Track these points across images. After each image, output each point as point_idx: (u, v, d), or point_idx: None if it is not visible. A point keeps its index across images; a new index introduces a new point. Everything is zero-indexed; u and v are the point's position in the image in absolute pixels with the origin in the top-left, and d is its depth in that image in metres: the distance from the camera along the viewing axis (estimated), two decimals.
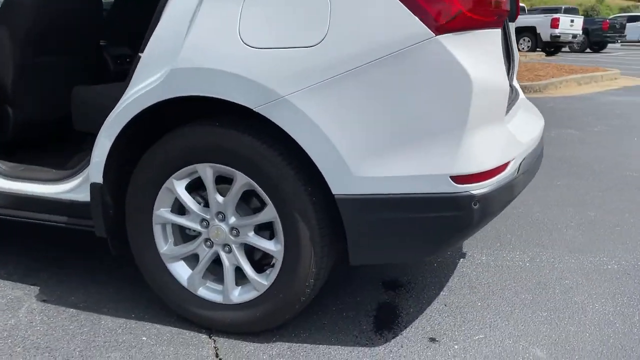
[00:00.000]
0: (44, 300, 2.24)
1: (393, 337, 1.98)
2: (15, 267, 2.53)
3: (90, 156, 2.06)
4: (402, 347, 1.93)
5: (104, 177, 1.99)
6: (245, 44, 1.70)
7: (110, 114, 1.94)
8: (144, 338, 1.98)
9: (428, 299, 2.26)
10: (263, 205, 1.88)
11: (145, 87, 1.84)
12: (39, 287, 2.35)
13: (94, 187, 2.00)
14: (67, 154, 2.63)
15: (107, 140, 1.93)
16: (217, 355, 1.88)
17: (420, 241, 1.73)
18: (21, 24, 2.38)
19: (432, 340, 1.97)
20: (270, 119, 1.71)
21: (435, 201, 1.65)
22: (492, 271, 2.52)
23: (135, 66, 1.90)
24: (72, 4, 2.58)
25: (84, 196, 2.10)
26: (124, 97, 1.90)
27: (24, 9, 2.36)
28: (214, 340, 1.97)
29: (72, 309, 2.17)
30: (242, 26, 1.70)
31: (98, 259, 2.62)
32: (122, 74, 3.02)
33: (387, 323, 2.08)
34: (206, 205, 1.95)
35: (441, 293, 2.31)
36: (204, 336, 1.99)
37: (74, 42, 2.70)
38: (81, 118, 2.41)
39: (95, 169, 1.99)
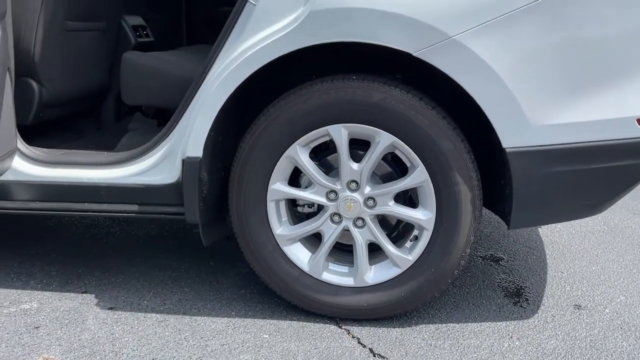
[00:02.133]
0: (110, 308, 1.85)
1: (538, 308, 1.83)
2: (49, 275, 2.09)
3: (170, 130, 1.72)
4: (553, 316, 1.78)
5: (204, 149, 1.66)
6: None
7: (210, 75, 1.61)
8: (265, 336, 1.67)
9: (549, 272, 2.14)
10: (397, 168, 1.65)
11: (269, 37, 1.54)
12: (92, 295, 1.94)
13: (189, 163, 1.66)
14: (103, 141, 2.21)
15: (212, 106, 1.61)
16: (363, 345, 1.62)
17: (592, 196, 1.58)
18: None
19: (578, 307, 1.85)
20: (433, 64, 1.49)
21: (619, 148, 1.51)
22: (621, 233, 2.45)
23: (238, 18, 1.59)
24: None
25: (163, 178, 1.75)
26: (232, 54, 1.59)
27: None
28: (347, 330, 1.70)
29: (154, 314, 1.80)
30: None
31: (144, 254, 2.23)
32: (143, 48, 2.63)
33: (520, 296, 1.93)
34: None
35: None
36: (332, 326, 1.72)
37: (100, 9, 2.29)
38: (134, 89, 2.03)
39: (193, 141, 1.65)
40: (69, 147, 2.11)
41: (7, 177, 1.83)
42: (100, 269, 2.13)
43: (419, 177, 1.60)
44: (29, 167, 1.85)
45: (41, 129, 2.20)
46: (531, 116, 1.49)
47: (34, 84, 2.06)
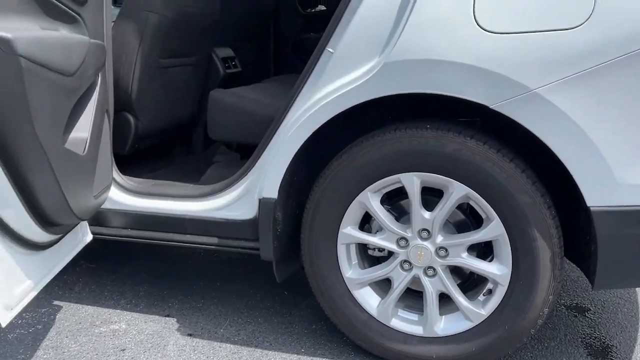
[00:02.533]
0: (189, 335, 1.95)
1: None
2: (138, 295, 2.25)
3: (249, 168, 1.78)
4: None
5: (278, 191, 1.71)
6: (484, 28, 1.42)
7: (287, 120, 1.66)
8: None
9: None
10: (474, 220, 1.60)
11: (344, 86, 1.56)
12: (174, 319, 2.06)
13: (265, 203, 1.72)
14: (192, 170, 2.35)
15: (288, 149, 1.66)
16: None
17: None
18: (150, 21, 2.11)
19: None
20: (512, 117, 1.43)
21: None
22: None
23: (316, 65, 1.62)
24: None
25: (241, 214, 1.82)
26: (308, 101, 1.63)
27: (154, 2, 2.10)
28: None
29: (228, 344, 1.88)
30: (479, 6, 1.43)
31: (224, 277, 2.33)
32: (231, 78, 2.75)
33: (606, 356, 1.79)
34: (398, 220, 1.68)
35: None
36: None
37: (192, 45, 2.43)
38: (218, 125, 2.14)
39: (269, 183, 1.71)
40: (160, 173, 2.27)
41: (105, 204, 1.99)
42: (183, 291, 2.26)
43: (494, 230, 1.54)
44: (123, 196, 2.00)
45: (136, 155, 2.37)
46: (619, 174, 1.39)
47: (131, 118, 2.23)
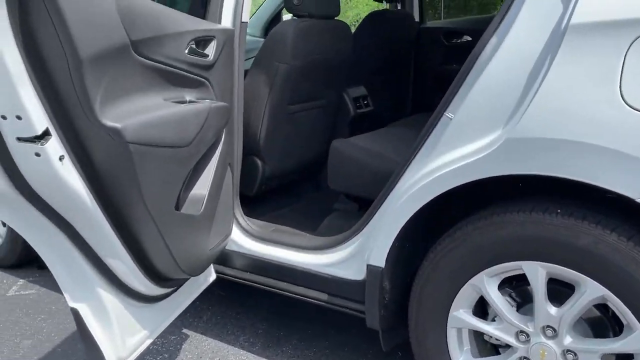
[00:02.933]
0: None
1: None
2: (257, 333, 2.31)
3: (360, 229, 1.71)
4: None
5: (386, 260, 1.61)
6: (632, 107, 1.18)
7: (398, 187, 1.56)
8: None
9: None
10: (615, 321, 1.34)
11: (460, 159, 1.42)
12: None
13: (372, 270, 1.64)
14: (314, 212, 2.35)
15: (396, 219, 1.56)
16: None
17: None
18: (280, 71, 2.15)
19: None
20: None
21: None
22: None
23: (432, 130, 1.49)
24: (329, 42, 2.32)
25: (350, 274, 1.76)
26: (421, 170, 1.51)
27: (283, 52, 2.13)
28: None
29: None
30: (628, 80, 1.19)
31: (338, 326, 2.29)
32: (362, 118, 2.71)
33: None
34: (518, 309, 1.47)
35: None
36: None
37: (322, 89, 2.44)
38: (338, 176, 2.11)
39: (378, 251, 1.62)
40: (284, 213, 2.31)
41: (228, 246, 2.07)
42: (298, 335, 2.27)
43: (637, 342, 1.28)
44: (244, 239, 2.06)
45: (262, 194, 2.44)
46: None
47: (259, 162, 2.30)
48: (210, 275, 2.10)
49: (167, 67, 1.45)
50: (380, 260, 1.62)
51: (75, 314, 1.39)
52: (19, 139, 1.05)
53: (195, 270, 1.67)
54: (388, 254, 1.61)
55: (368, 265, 1.66)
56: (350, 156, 2.04)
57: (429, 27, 3.36)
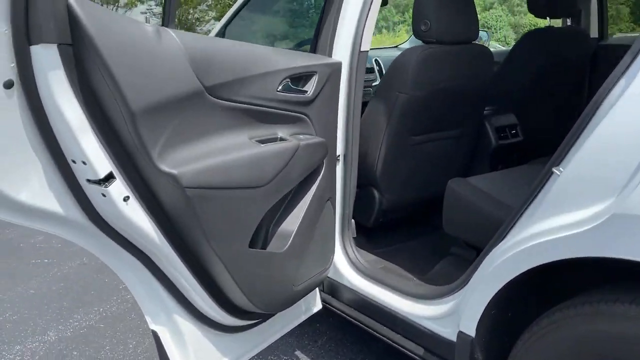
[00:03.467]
0: None
1: None
2: None
3: (461, 286, 1.52)
4: None
5: (477, 329, 1.41)
6: None
7: (500, 246, 1.34)
8: None
9: None
10: None
11: (558, 229, 1.16)
12: None
13: (462, 338, 1.45)
14: (431, 252, 2.18)
15: (487, 286, 1.35)
16: None
17: None
18: (399, 101, 2.03)
19: None
20: None
21: None
22: None
23: (543, 186, 1.25)
24: (463, 68, 2.12)
25: (449, 332, 1.58)
26: (522, 233, 1.27)
27: (403, 81, 2.01)
28: None
29: None
30: None
31: None
32: (507, 149, 2.43)
33: None
34: None
35: None
36: None
37: (458, 114, 2.24)
38: (452, 219, 1.92)
39: (467, 318, 1.43)
40: (398, 248, 2.19)
41: (335, 277, 2.03)
42: None
43: None
44: (351, 274, 2.01)
45: (380, 226, 2.34)
46: None
47: (376, 193, 2.21)
48: (315, 305, 2.08)
49: (254, 106, 1.46)
50: (470, 329, 1.43)
51: (155, 336, 1.49)
52: (88, 180, 1.15)
53: (272, 307, 1.66)
54: (479, 323, 1.40)
55: (459, 332, 1.47)
56: (466, 199, 1.84)
57: (609, 45, 2.87)
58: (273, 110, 1.54)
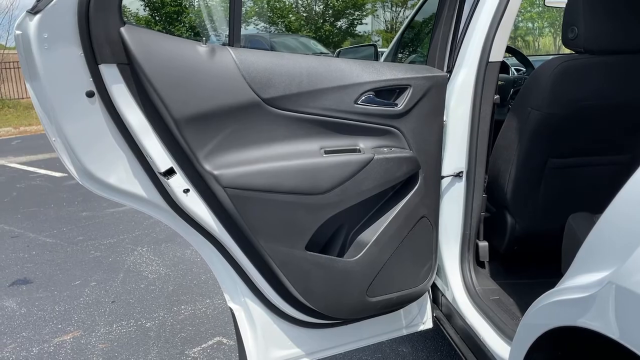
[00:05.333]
0: None
1: None
2: None
3: None
4: None
5: None
6: None
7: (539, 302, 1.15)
8: None
9: None
10: None
11: (565, 291, 0.96)
12: None
13: None
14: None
15: (529, 332, 1.17)
16: None
17: None
18: (531, 119, 1.81)
19: None
20: None
21: None
22: None
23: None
24: (626, 82, 1.76)
25: None
26: (563, 283, 1.07)
27: (537, 97, 1.78)
28: None
29: None
30: None
31: None
32: None
33: None
34: None
35: None
36: None
37: (620, 136, 1.87)
38: (568, 261, 1.63)
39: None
40: (522, 282, 1.97)
41: (450, 299, 1.95)
42: None
43: None
44: (462, 298, 1.91)
45: (518, 256, 2.11)
46: None
47: (508, 217, 2.01)
48: (422, 322, 2.03)
49: (327, 118, 1.54)
50: None
51: (232, 313, 1.71)
52: (159, 173, 1.43)
53: (338, 312, 1.70)
54: None
55: None
56: (581, 240, 1.54)
57: None
58: (351, 122, 1.59)
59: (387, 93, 1.63)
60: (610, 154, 1.88)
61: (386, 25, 21.37)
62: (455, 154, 1.84)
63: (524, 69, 2.73)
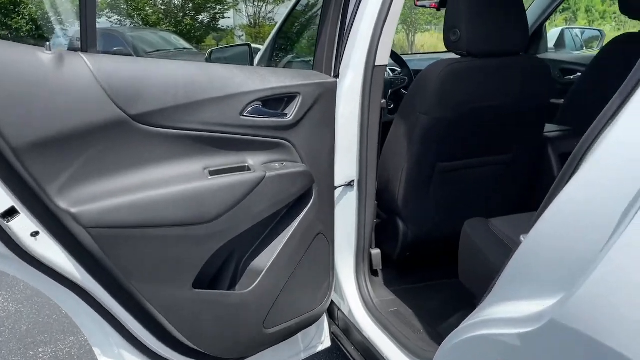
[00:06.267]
0: None
1: None
2: None
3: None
4: None
5: None
6: None
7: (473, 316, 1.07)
8: None
9: None
10: None
11: (498, 322, 0.88)
12: None
13: None
14: (458, 297, 1.88)
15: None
16: None
17: None
18: (420, 123, 1.76)
19: None
20: None
21: None
22: None
23: (513, 254, 0.96)
24: (509, 85, 1.78)
25: None
26: (481, 313, 0.99)
27: (424, 101, 1.74)
28: None
29: None
30: None
31: None
32: None
33: None
34: None
35: None
36: None
37: (503, 137, 1.90)
38: (465, 269, 1.62)
39: None
40: (422, 288, 1.94)
41: (347, 314, 1.84)
42: None
43: None
44: (359, 312, 1.82)
45: (411, 262, 2.08)
46: None
47: (400, 223, 1.96)
48: (320, 342, 1.91)
49: (210, 133, 1.33)
50: None
51: None
52: None
53: (232, 352, 1.52)
54: None
55: None
56: (478, 246, 1.53)
57: None
58: (238, 136, 1.40)
59: (275, 102, 1.47)
60: (495, 154, 1.91)
61: (249, 20, 21.10)
62: (346, 163, 1.74)
63: (399, 69, 2.73)
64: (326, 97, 1.55)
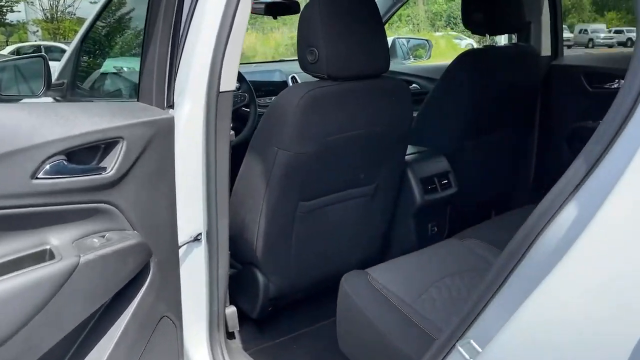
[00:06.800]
0: None
1: None
2: None
3: None
4: None
5: None
6: None
7: None
8: None
9: None
10: None
11: None
12: None
13: None
14: (324, 349, 1.64)
15: None
16: None
17: None
18: (278, 160, 1.47)
19: None
20: None
21: None
22: None
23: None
24: (371, 112, 1.56)
25: None
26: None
27: (282, 134, 1.44)
28: None
29: None
30: None
31: None
32: (436, 205, 1.91)
33: None
34: None
35: None
36: None
37: (366, 167, 1.70)
38: (344, 334, 1.37)
39: None
40: (287, 345, 1.67)
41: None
42: None
43: None
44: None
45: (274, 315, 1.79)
46: None
47: (259, 276, 1.65)
48: None
49: None
50: None
51: None
52: None
53: None
54: None
55: None
56: (359, 306, 1.28)
57: (564, 66, 2.37)
58: (31, 209, 0.95)
59: (87, 153, 1.04)
60: (360, 185, 1.69)
61: (44, 14, 18.71)
62: (190, 214, 1.36)
63: (238, 84, 2.38)
64: (160, 140, 1.16)
